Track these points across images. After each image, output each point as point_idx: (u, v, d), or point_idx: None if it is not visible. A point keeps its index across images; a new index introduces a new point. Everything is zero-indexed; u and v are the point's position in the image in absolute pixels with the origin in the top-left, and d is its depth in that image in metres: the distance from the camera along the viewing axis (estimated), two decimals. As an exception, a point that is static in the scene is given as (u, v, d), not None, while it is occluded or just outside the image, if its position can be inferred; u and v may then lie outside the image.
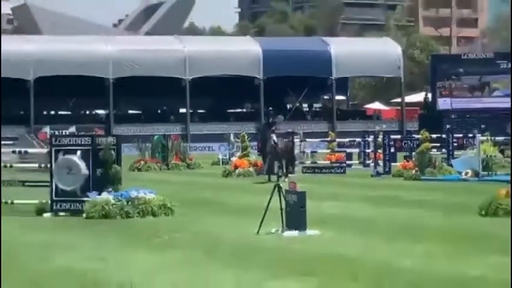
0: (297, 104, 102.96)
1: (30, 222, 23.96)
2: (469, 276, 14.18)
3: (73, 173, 25.22)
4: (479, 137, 44.69)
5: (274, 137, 39.56)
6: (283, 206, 20.12)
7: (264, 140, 39.19)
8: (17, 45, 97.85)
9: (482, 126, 57.08)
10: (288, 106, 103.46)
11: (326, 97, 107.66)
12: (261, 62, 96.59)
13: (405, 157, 47.87)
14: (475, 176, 38.84)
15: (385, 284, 13.43)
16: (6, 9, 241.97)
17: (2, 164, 32.61)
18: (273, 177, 37.38)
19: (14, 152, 30.94)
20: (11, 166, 31.21)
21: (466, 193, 30.32)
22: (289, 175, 39.91)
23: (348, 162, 54.08)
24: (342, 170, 49.38)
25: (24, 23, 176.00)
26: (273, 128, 41.09)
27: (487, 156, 41.88)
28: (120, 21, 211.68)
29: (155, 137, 59.85)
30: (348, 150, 57.15)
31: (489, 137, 45.66)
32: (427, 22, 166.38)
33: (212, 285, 13.64)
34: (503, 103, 73.14)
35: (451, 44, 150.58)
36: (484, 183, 34.52)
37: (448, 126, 60.24)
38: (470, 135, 49.72)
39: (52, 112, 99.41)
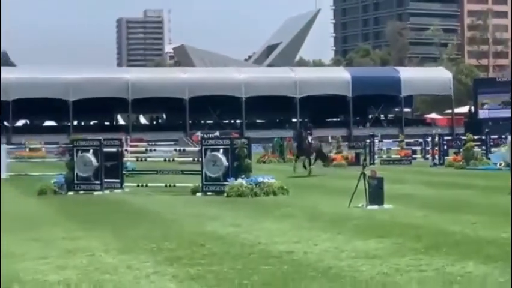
0: (376, 115, 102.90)
1: (188, 200, 24.16)
2: (500, 237, 14.01)
3: (217, 165, 25.44)
4: (509, 138, 44.11)
5: (309, 138, 38.77)
6: (367, 187, 20.11)
7: (300, 141, 38.19)
8: (176, 75, 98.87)
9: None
10: (370, 116, 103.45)
11: (396, 109, 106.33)
12: (350, 85, 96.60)
13: (454, 152, 47.61)
14: (506, 166, 38.32)
15: (441, 243, 13.30)
16: (169, 48, 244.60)
17: (167, 159, 32.99)
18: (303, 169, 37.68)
19: (175, 150, 31.17)
20: (173, 160, 31.56)
21: (500, 179, 29.78)
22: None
23: (413, 156, 53.33)
24: (408, 162, 49.38)
25: (181, 58, 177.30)
26: (309, 131, 39.92)
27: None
28: (249, 56, 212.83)
29: (275, 139, 60.05)
30: (413, 147, 56.64)
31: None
32: (471, 55, 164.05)
33: (314, 242, 13.63)
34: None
35: (488, 70, 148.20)
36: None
37: (486, 130, 59.35)
38: (503, 136, 49.04)
39: (202, 121, 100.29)
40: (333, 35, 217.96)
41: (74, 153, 27.25)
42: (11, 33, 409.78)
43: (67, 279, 10.65)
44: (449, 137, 58.81)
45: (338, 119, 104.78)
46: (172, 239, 14.43)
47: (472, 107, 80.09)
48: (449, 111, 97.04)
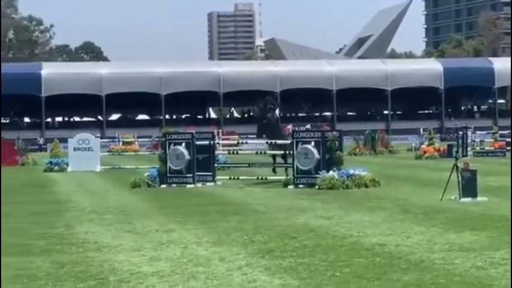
0: (469, 106, 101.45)
1: (279, 192, 24.24)
2: None
3: (308, 157, 25.44)
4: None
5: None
6: (460, 179, 19.87)
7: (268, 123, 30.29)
8: (267, 68, 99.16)
9: None
10: (462, 108, 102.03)
11: (490, 101, 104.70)
12: (442, 76, 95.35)
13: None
14: None
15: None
16: (260, 41, 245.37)
17: (259, 151, 33.10)
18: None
19: (267, 142, 31.26)
20: (265, 153, 31.69)
21: None
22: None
23: (507, 148, 52.21)
24: (503, 154, 48.34)
25: (272, 51, 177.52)
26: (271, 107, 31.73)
27: None
28: (340, 49, 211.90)
29: (367, 131, 59.78)
30: (507, 139, 55.34)
31: None
32: None
33: (407, 235, 13.54)
34: None
35: None
36: None
37: None
38: None
39: (293, 114, 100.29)
40: (425, 26, 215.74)
41: (167, 147, 27.56)
42: (104, 29, 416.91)
43: (160, 270, 10.81)
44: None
45: (430, 111, 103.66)
46: (264, 232, 14.51)
47: None
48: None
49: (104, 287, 9.77)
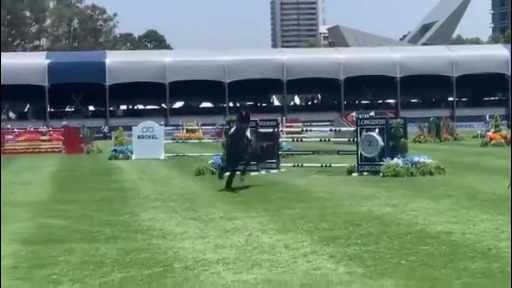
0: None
1: (343, 180, 24.18)
2: None
3: (373, 145, 25.35)
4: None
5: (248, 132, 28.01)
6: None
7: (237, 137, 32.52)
8: (330, 55, 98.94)
9: None
10: None
11: None
12: (509, 63, 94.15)
13: None
14: None
15: None
16: (323, 29, 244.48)
17: (323, 139, 33.00)
18: None
19: (331, 130, 31.10)
20: (329, 140, 31.58)
21: None
22: None
23: None
24: None
25: (335, 39, 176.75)
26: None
27: None
28: (404, 36, 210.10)
29: (431, 118, 59.32)
30: None
31: None
32: None
33: (473, 223, 13.41)
34: None
35: None
36: None
37: None
38: None
39: (356, 101, 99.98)
40: (492, 11, 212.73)
41: (227, 133, 27.65)
42: (168, 18, 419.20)
43: (225, 258, 10.85)
44: None
45: (496, 98, 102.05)
46: (328, 219, 14.50)
47: None
48: None
49: (169, 274, 9.84)
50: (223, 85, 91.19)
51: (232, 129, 21.95)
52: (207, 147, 43.49)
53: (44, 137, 47.08)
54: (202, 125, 69.12)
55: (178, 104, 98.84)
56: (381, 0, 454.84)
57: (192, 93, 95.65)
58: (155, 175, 27.80)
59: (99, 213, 16.31)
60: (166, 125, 59.44)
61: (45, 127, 52.68)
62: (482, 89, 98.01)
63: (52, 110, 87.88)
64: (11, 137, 47.08)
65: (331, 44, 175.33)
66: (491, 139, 46.75)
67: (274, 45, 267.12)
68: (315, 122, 69.06)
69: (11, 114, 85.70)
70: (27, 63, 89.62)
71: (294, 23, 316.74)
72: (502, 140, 45.71)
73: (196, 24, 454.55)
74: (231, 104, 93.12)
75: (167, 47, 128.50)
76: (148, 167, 32.46)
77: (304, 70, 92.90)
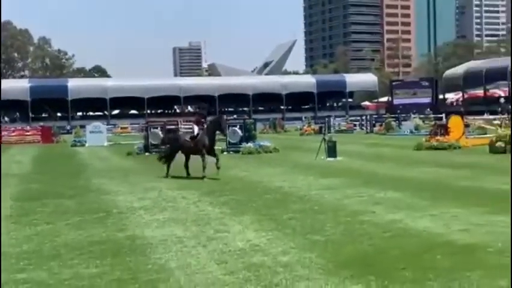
0: (332, 103, 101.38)
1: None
2: (404, 175, 13.97)
3: (236, 135, 25.29)
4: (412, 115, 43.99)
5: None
6: (326, 147, 20.08)
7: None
8: (210, 81, 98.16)
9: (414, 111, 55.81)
10: (327, 104, 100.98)
11: (343, 100, 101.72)
12: (315, 86, 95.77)
13: (379, 125, 46.61)
14: (411, 133, 38.27)
15: (372, 180, 13.27)
16: (205, 65, 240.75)
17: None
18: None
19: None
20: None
21: (407, 140, 29.53)
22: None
23: (354, 128, 51.52)
24: (351, 132, 48.33)
25: (212, 71, 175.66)
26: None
27: (417, 123, 41.58)
28: (254, 69, 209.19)
29: (270, 119, 59.53)
30: (354, 123, 54.20)
31: (418, 115, 44.96)
32: (388, 66, 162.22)
33: (295, 181, 13.60)
34: (426, 99, 71.63)
35: (399, 75, 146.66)
36: (415, 136, 33.74)
37: (398, 110, 58.87)
38: (409, 114, 48.66)
39: (225, 109, 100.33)
40: (305, 55, 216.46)
41: (148, 130, 27.27)
42: (108, 55, 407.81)
43: (145, 206, 10.68)
44: (376, 116, 58.33)
45: (308, 106, 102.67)
46: (209, 180, 14.43)
47: (390, 97, 79.67)
48: (376, 100, 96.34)
49: (110, 217, 9.60)
50: (144, 100, 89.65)
51: (196, 129, 15.49)
52: (134, 138, 42.62)
53: (28, 133, 45.61)
54: (131, 124, 68.25)
55: (115, 111, 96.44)
56: (239, 46, 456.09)
57: (124, 105, 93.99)
58: (101, 155, 27.06)
59: (64, 180, 15.75)
60: (107, 124, 58.02)
61: (28, 127, 50.56)
62: (299, 100, 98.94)
63: (33, 115, 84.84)
64: (6, 133, 45.45)
65: (210, 74, 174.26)
66: (305, 131, 47.62)
67: (175, 75, 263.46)
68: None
69: (6, 119, 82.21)
70: (16, 86, 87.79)
71: (187, 61, 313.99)
72: (312, 131, 46.46)
73: (128, 61, 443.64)
74: (149, 111, 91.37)
75: (108, 76, 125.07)
76: (97, 151, 31.51)
77: (195, 89, 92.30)
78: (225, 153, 25.18)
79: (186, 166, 15.60)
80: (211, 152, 15.34)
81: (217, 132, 15.62)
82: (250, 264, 6.19)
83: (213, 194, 11.83)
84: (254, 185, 13.32)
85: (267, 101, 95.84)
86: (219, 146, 26.47)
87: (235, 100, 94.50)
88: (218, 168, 14.83)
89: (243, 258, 6.44)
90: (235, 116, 53.93)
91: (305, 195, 11.33)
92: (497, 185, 11.69)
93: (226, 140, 25.46)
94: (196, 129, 15.52)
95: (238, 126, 25.66)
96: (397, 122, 45.29)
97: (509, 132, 20.24)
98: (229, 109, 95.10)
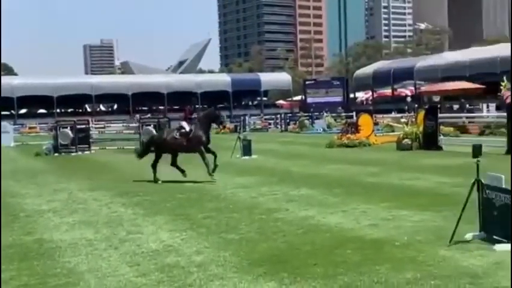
0: (247, 102, 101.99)
1: (132, 157, 23.71)
2: (318, 172, 14.27)
3: (148, 133, 24.97)
4: (325, 114, 45.04)
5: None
6: (241, 145, 20.17)
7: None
8: (123, 79, 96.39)
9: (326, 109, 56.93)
10: (243, 103, 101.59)
11: (259, 98, 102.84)
12: (230, 84, 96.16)
13: (293, 123, 47.45)
14: (323, 131, 39.15)
15: (286, 178, 13.47)
16: (117, 62, 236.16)
17: (118, 131, 31.78)
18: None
19: (123, 125, 30.21)
20: (122, 132, 30.42)
21: (319, 138, 30.13)
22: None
23: (269, 126, 52.08)
24: (266, 130, 49.00)
25: (125, 69, 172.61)
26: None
27: (329, 122, 42.50)
28: (168, 68, 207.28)
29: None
30: (269, 121, 54.79)
31: (330, 114, 45.99)
32: (302, 65, 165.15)
33: (212, 179, 13.55)
34: (338, 98, 73.24)
35: (312, 74, 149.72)
36: (327, 134, 34.55)
37: (311, 109, 60.06)
38: (321, 113, 49.71)
39: (139, 108, 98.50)
40: (220, 54, 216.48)
41: (58, 129, 26.39)
42: (14, 52, 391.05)
43: (54, 208, 10.33)
44: (290, 114, 59.11)
45: (223, 104, 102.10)
46: (122, 180, 14.15)
47: (303, 96, 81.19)
48: (290, 98, 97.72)
49: (17, 220, 9.22)
50: (53, 98, 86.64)
51: (186, 125, 14.06)
52: (43, 138, 41.03)
53: None
54: (39, 123, 65.67)
55: (23, 111, 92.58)
56: (154, 45, 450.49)
57: (32, 104, 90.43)
58: (8, 156, 25.89)
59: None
60: (14, 124, 55.62)
61: None
62: (214, 99, 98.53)
63: None
64: None
65: (123, 72, 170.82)
66: (220, 130, 47.40)
67: (86, 73, 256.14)
68: (114, 121, 66.95)
69: None
70: None
71: (99, 58, 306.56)
72: (228, 130, 46.35)
73: (36, 58, 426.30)
74: (58, 110, 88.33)
75: (15, 74, 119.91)
76: (3, 151, 30.13)
77: (107, 88, 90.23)
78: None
79: (176, 165, 14.16)
80: (208, 148, 13.94)
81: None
82: (163, 265, 6.13)
83: (126, 195, 11.60)
84: (168, 185, 13.18)
85: (182, 99, 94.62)
86: (132, 145, 26.17)
87: (149, 99, 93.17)
88: (216, 166, 13.58)
89: (156, 260, 6.36)
90: (149, 115, 53.13)
91: (220, 194, 11.33)
92: (402, 181, 12.19)
93: (140, 140, 25.08)
94: (185, 124, 13.92)
95: (152, 126, 25.31)
96: (310, 120, 46.22)
97: (415, 129, 21.15)
98: (143, 108, 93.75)
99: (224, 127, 17.05)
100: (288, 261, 6.06)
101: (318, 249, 6.51)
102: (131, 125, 41.26)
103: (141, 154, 15.00)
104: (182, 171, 13.90)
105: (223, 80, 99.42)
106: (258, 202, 10.17)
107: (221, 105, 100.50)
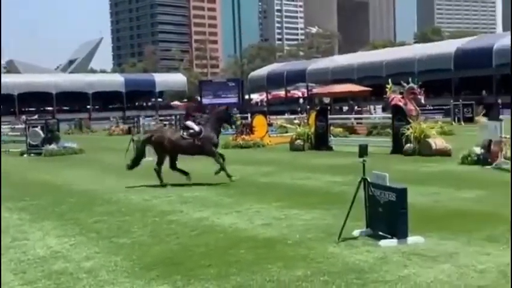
0: (141, 103, 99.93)
1: (18, 159, 22.62)
2: (209, 172, 14.33)
3: (37, 136, 24.01)
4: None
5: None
6: (135, 147, 19.79)
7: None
8: (8, 79, 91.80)
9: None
10: (136, 104, 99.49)
11: (153, 99, 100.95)
12: (124, 84, 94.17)
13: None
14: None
15: (181, 180, 13.38)
16: (3, 61, 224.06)
17: (5, 133, 30.24)
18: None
19: (10, 127, 28.67)
20: (7, 134, 29.09)
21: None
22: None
23: (166, 127, 51.85)
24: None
25: (11, 68, 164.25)
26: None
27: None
28: (58, 66, 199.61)
29: (75, 119, 57.15)
30: (165, 122, 54.36)
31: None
32: (197, 66, 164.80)
33: (103, 182, 13.19)
34: (233, 99, 73.85)
35: (207, 75, 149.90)
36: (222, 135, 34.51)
37: (207, 110, 60.04)
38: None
39: (27, 109, 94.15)
40: (112, 53, 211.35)
41: None
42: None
43: None
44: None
45: (116, 106, 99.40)
46: (8, 184, 13.45)
47: (199, 97, 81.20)
48: (185, 100, 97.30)
49: None
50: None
51: (194, 125, 12.85)
52: None
53: None
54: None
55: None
56: (42, 43, 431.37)
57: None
58: None
59: None
60: None
61: None
62: (107, 100, 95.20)
63: None
64: None
65: (8, 71, 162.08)
66: (113, 131, 46.63)
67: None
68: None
69: None
70: None
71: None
72: (120, 132, 45.56)
73: None
74: None
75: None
76: None
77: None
78: (25, 155, 23.78)
79: (176, 168, 12.84)
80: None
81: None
82: (50, 272, 5.89)
83: (11, 200, 11.04)
84: (57, 188, 12.70)
85: (72, 100, 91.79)
86: (17, 148, 25.00)
87: (36, 99, 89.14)
88: (223, 170, 12.54)
89: (43, 267, 6.10)
90: (36, 116, 50.90)
91: (112, 197, 11.07)
92: (294, 181, 12.49)
93: (27, 142, 24.05)
94: (192, 124, 12.65)
95: (39, 127, 24.30)
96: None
97: (307, 130, 21.73)
98: (31, 109, 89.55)
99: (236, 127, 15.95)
100: (181, 263, 6.02)
101: (212, 250, 6.52)
102: (16, 126, 39.29)
103: (134, 161, 13.27)
104: (186, 174, 12.65)
105: (116, 80, 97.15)
106: (152, 204, 10.03)
107: (114, 106, 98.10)
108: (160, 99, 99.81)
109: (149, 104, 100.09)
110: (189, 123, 12.87)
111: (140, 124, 50.25)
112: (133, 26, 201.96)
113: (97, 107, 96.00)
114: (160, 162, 12.81)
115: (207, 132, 12.65)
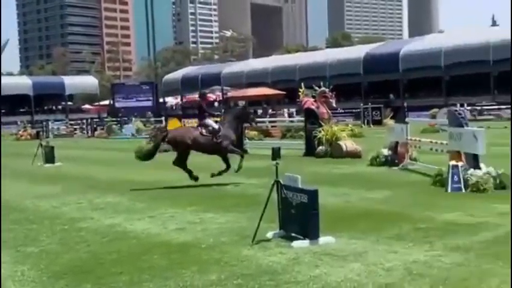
0: (51, 106, 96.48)
1: None
2: (129, 179, 14.05)
3: None
4: (134, 118, 44.55)
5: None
6: (44, 152, 19.08)
7: None
8: None
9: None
10: (45, 107, 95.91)
11: (63, 103, 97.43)
12: (32, 88, 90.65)
13: (101, 128, 46.22)
14: (132, 136, 38.64)
15: (92, 185, 13.02)
16: None
17: None
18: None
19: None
20: None
21: (129, 144, 29.69)
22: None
23: (75, 132, 49.82)
24: (72, 136, 46.88)
25: None
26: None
27: (138, 126, 42.06)
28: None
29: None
30: (75, 126, 52.23)
31: (139, 118, 45.59)
32: (109, 69, 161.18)
33: (8, 189, 12.64)
34: (147, 102, 72.80)
35: (120, 78, 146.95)
36: (137, 139, 34.06)
37: (120, 114, 58.38)
38: (130, 117, 48.51)
39: None
40: (19, 55, 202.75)
41: None
42: None
43: None
44: (97, 119, 57.29)
45: (24, 110, 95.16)
46: None
47: (111, 100, 79.24)
48: (97, 103, 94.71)
49: None
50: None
51: (209, 121, 12.84)
52: None
53: None
54: None
55: None
56: None
57: None
58: None
59: None
60: None
61: None
62: (14, 103, 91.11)
63: None
64: None
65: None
66: (21, 135, 44.65)
67: None
68: None
69: None
70: None
71: None
72: (29, 136, 43.58)
73: None
74: None
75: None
76: None
77: None
78: None
79: (184, 165, 12.58)
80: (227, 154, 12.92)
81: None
82: (-50, 286, 5.56)
83: None
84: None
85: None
86: None
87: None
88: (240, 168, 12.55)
89: None
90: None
91: (19, 204, 10.63)
92: (209, 184, 12.43)
93: None
94: (211, 122, 12.64)
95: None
96: (119, 125, 45.35)
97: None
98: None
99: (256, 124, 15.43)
100: (91, 271, 5.86)
101: (124, 257, 6.39)
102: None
103: (148, 155, 13.11)
104: (190, 173, 12.48)
105: (23, 83, 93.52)
106: (61, 212, 9.71)
107: (22, 110, 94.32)
108: (70, 103, 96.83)
109: (59, 107, 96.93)
110: (208, 121, 12.78)
111: (49, 128, 48.65)
112: (42, 27, 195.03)
113: (3, 110, 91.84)
114: (183, 159, 12.63)
115: (227, 131, 12.70)
